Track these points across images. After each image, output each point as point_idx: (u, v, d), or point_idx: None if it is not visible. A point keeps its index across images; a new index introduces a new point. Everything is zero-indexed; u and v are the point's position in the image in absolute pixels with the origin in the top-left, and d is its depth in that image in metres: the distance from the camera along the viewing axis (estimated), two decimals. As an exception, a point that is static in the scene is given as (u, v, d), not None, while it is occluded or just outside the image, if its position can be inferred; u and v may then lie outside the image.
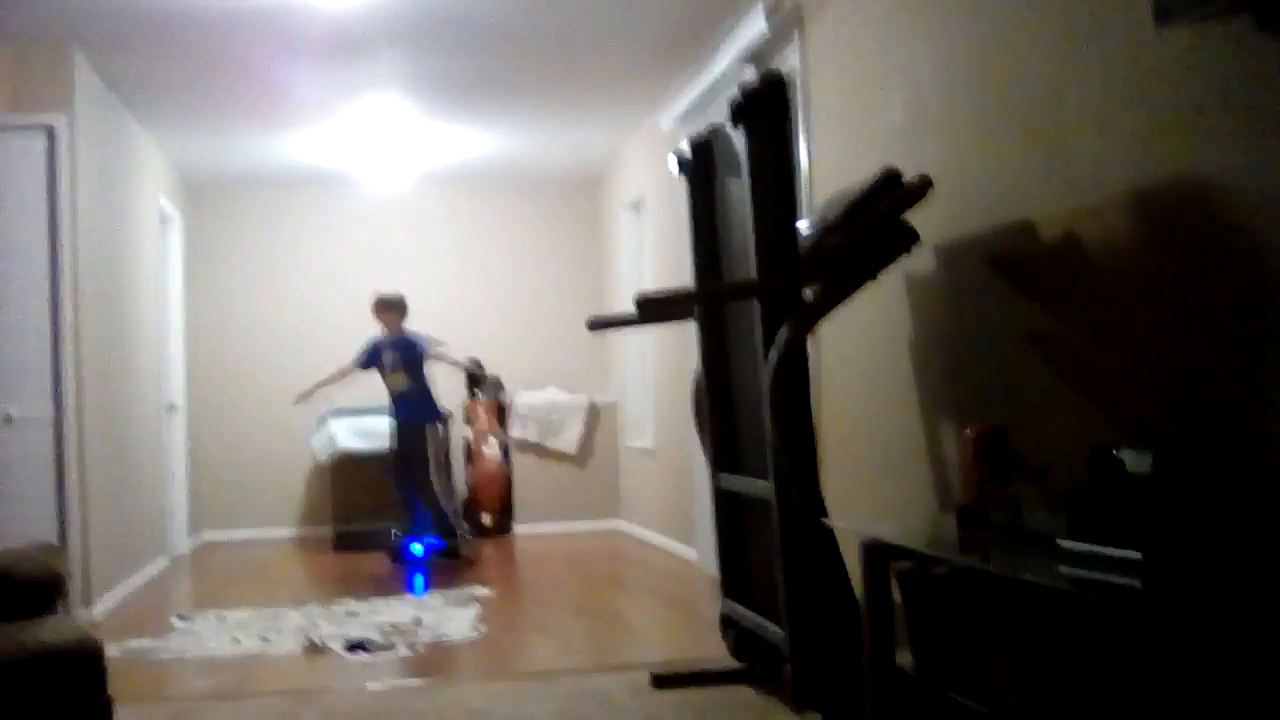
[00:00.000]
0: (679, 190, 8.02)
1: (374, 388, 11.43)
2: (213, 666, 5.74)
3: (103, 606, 7.14)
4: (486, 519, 11.24)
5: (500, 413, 11.37)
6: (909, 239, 4.20)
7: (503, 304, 11.84)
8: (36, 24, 6.59)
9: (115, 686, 3.46)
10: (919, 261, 4.52)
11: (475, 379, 11.28)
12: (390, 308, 9.32)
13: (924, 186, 4.14)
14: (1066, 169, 3.62)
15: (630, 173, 10.48)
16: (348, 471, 10.91)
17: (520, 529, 11.35)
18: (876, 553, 3.43)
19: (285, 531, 11.45)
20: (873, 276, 4.26)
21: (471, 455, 11.32)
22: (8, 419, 6.67)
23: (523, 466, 11.49)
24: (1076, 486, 3.02)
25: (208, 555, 10.40)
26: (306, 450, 11.22)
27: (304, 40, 7.01)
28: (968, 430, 3.63)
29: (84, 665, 3.21)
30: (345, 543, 10.52)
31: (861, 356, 5.22)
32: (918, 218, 4.23)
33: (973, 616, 4.02)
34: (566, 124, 9.66)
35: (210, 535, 11.27)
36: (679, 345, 8.51)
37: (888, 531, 3.49)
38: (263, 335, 11.57)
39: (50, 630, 3.23)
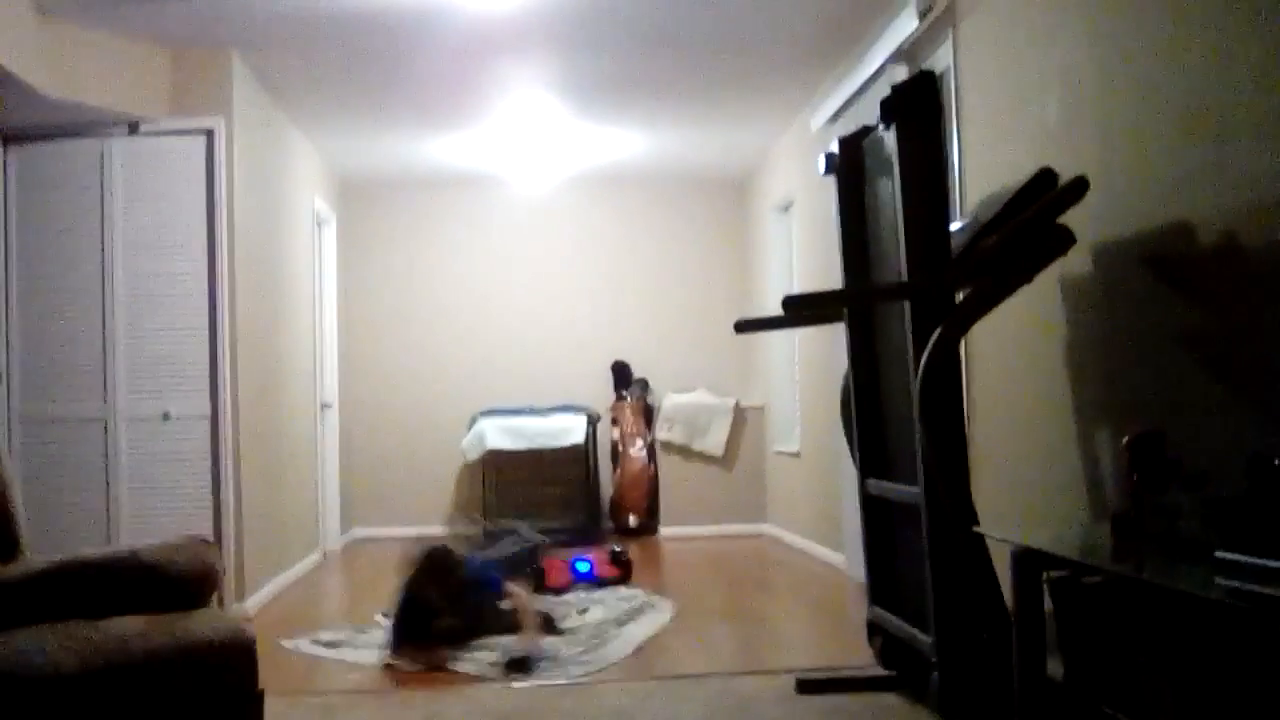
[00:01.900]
0: (828, 191, 7.97)
1: (524, 387, 11.58)
2: (361, 664, 5.83)
3: (255, 601, 7.30)
4: (632, 520, 11.28)
5: (647, 414, 11.40)
6: (1064, 241, 4.12)
7: (650, 305, 11.86)
8: (194, 28, 6.77)
9: (267, 679, 3.52)
10: (1074, 263, 4.42)
11: (623, 380, 11.33)
12: None
13: (1080, 187, 4.05)
14: (1224, 169, 3.52)
15: (779, 174, 10.44)
16: (498, 470, 11.03)
17: (665, 531, 11.37)
18: (1028, 561, 3.36)
19: (435, 529, 11.59)
20: (1027, 279, 4.18)
21: (618, 456, 11.36)
22: (166, 416, 6.85)
23: (669, 468, 11.50)
24: (1234, 495, 2.93)
25: (358, 552, 10.58)
26: (456, 449, 11.35)
27: (456, 40, 7.09)
28: (1123, 436, 3.54)
29: (236, 658, 3.27)
30: (494, 540, 10.61)
31: (1014, 360, 5.13)
32: (1073, 218, 4.15)
33: (1125, 627, 3.93)
34: (716, 125, 9.65)
35: (361, 532, 11.46)
36: (827, 348, 8.45)
37: (1039, 539, 3.42)
38: (413, 334, 11.73)
39: (203, 624, 3.30)
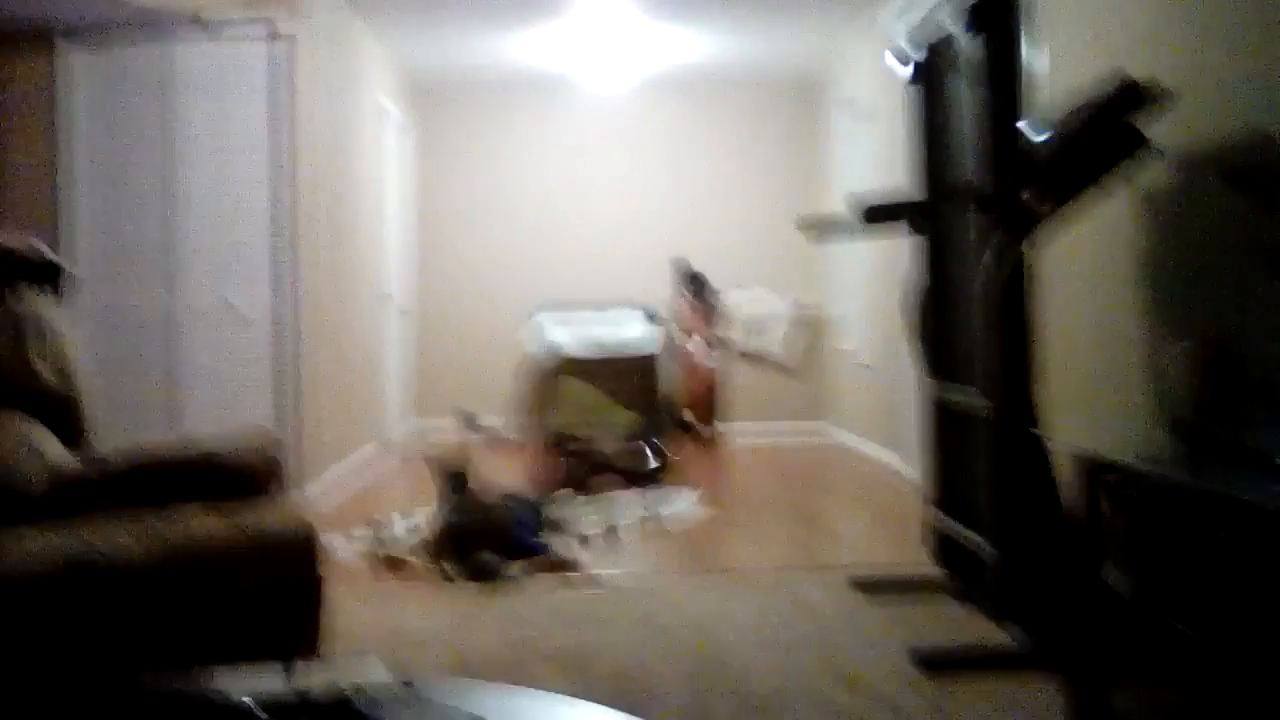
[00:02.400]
0: (900, 93, 7.86)
1: (590, 286, 11.58)
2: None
3: (316, 490, 7.38)
4: (692, 420, 11.30)
5: (711, 315, 11.38)
6: (1140, 148, 4.04)
7: (718, 208, 11.79)
8: (266, -78, 6.73)
9: (326, 569, 3.57)
10: (1151, 172, 4.35)
11: (691, 281, 11.30)
12: None
13: (1159, 95, 3.97)
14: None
15: (851, 75, 10.30)
16: (559, 367, 11.05)
17: (726, 431, 11.39)
18: (1090, 466, 3.34)
19: (496, 422, 11.66)
20: (1101, 186, 4.11)
21: (681, 357, 11.36)
22: (230, 309, 6.89)
23: (731, 369, 11.50)
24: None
25: (420, 443, 10.67)
26: (521, 345, 11.39)
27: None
28: (1190, 344, 3.50)
29: (298, 546, 3.31)
30: (556, 438, 10.68)
31: (1084, 267, 5.07)
32: (1153, 128, 4.07)
33: (1186, 535, 3.91)
34: (787, 24, 9.51)
35: (424, 423, 11.54)
36: (893, 251, 8.38)
37: (1103, 446, 3.39)
38: (481, 232, 11.73)
39: (266, 513, 3.34)
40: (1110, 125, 3.98)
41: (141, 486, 3.35)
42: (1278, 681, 3.41)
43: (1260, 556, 3.49)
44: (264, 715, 1.69)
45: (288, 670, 2.04)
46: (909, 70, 5.13)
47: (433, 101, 11.60)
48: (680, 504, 6.99)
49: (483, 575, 5.43)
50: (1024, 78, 4.30)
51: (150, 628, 3.00)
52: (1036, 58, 5.59)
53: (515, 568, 5.49)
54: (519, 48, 10.03)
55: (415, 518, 6.44)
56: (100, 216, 6.79)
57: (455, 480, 6.01)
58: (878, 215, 4.62)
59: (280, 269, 6.94)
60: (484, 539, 5.69)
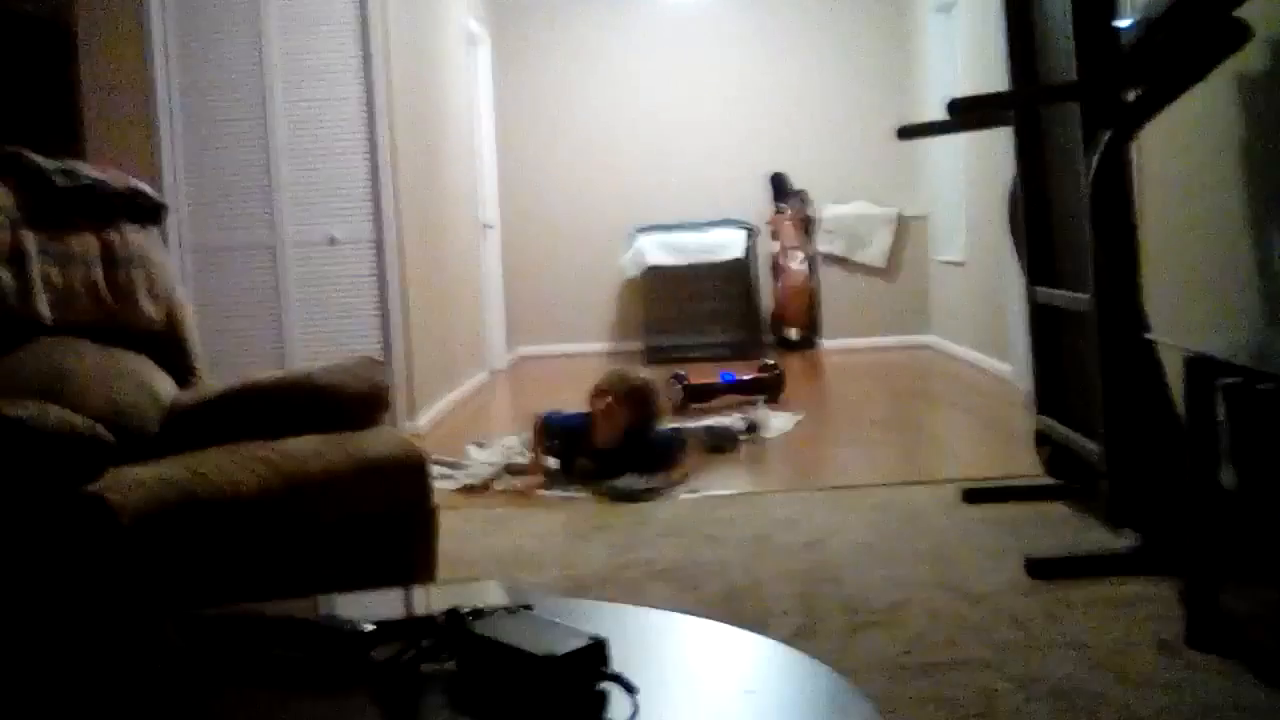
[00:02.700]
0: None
1: (681, 202, 11.54)
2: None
3: (425, 419, 7.47)
4: (793, 334, 11.27)
5: (806, 226, 11.30)
6: (1240, 35, 3.92)
7: (807, 115, 11.67)
8: None
9: (437, 495, 3.61)
10: (1252, 59, 4.23)
11: (782, 191, 11.22)
12: None
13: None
14: None
15: (941, -25, 10.11)
16: (657, 286, 11.07)
17: (827, 344, 11.34)
18: (1200, 368, 3.28)
19: (597, 345, 11.71)
20: (1201, 77, 4.01)
21: (777, 269, 11.31)
22: (332, 240, 6.96)
23: (829, 280, 11.43)
24: None
25: (524, 369, 10.76)
26: (616, 266, 11.40)
27: None
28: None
29: (409, 474, 3.35)
30: (656, 356, 10.73)
31: (1187, 162, 4.96)
32: (1249, 12, 3.95)
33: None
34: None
35: (525, 350, 11.63)
36: (992, 154, 8.25)
37: (1213, 345, 3.33)
38: (569, 151, 11.72)
39: (375, 441, 3.38)
40: (1205, 13, 3.88)
41: (252, 419, 3.40)
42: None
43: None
44: (383, 638, 1.72)
45: (406, 596, 2.07)
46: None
47: (514, 16, 11.56)
48: (783, 421, 7.00)
49: (578, 478, 5.52)
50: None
51: (266, 557, 3.06)
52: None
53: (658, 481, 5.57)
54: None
55: (496, 447, 6.47)
56: (197, 151, 6.87)
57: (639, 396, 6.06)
58: (968, 113, 4.53)
59: (379, 199, 6.99)
60: (597, 447, 5.81)
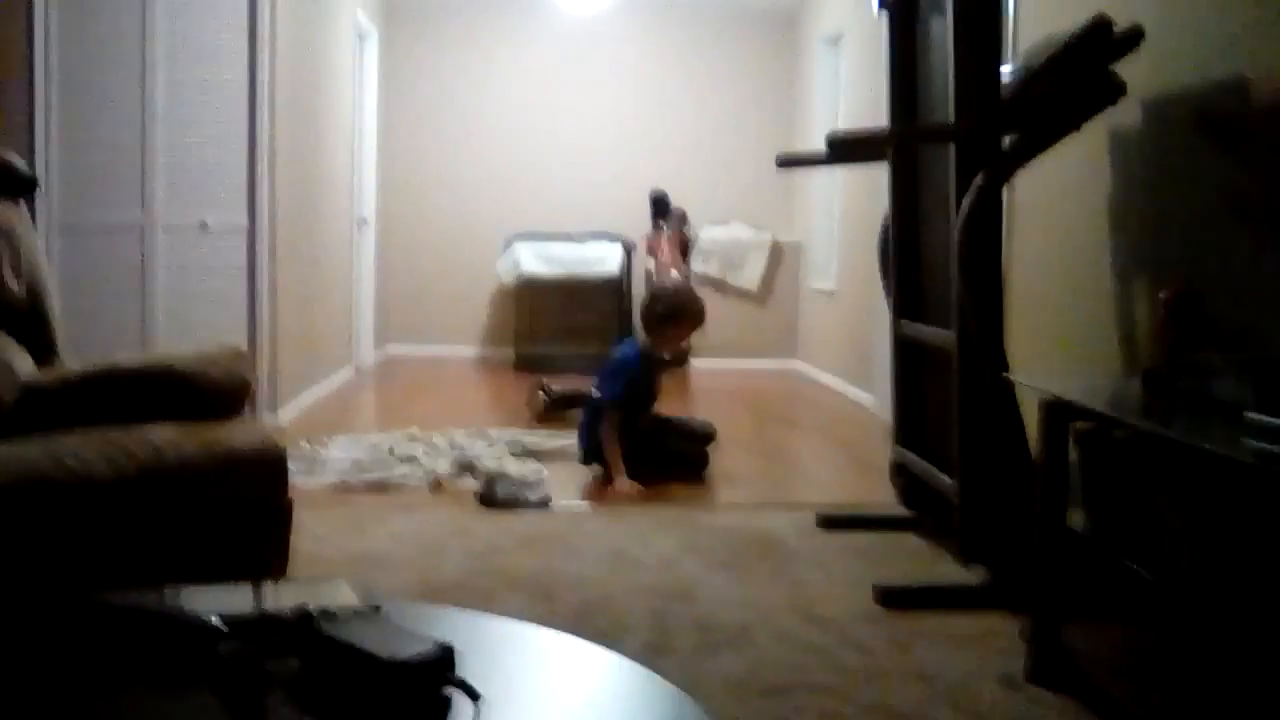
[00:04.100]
0: (878, 27, 7.82)
1: (560, 213, 11.54)
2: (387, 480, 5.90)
3: (287, 413, 7.38)
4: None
5: (683, 245, 11.36)
6: (1115, 91, 4.04)
7: (692, 137, 11.75)
8: None
9: (294, 491, 3.57)
10: (1124, 115, 4.35)
11: (662, 210, 11.27)
12: None
13: (1135, 36, 3.97)
14: (1292, 23, 3.43)
15: (829, 6, 10.25)
16: (532, 295, 11.05)
17: (697, 364, 11.41)
18: (1057, 411, 3.36)
19: (467, 350, 11.67)
20: (1075, 128, 4.11)
21: (651, 287, 11.35)
22: (203, 225, 6.85)
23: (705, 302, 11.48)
24: (1268, 357, 2.91)
25: (392, 368, 10.68)
26: (492, 271, 11.37)
27: None
28: (1160, 293, 3.52)
29: (267, 468, 3.31)
30: (526, 364, 10.71)
31: (1056, 210, 5.08)
32: (1126, 69, 4.06)
33: (1149, 483, 3.95)
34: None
35: (394, 349, 11.54)
36: (868, 188, 8.38)
37: (1069, 389, 3.41)
38: (453, 154, 11.67)
39: (235, 433, 3.33)
40: (1083, 66, 3.98)
41: (112, 403, 3.33)
42: (1226, 621, 3.46)
43: (1216, 503, 3.53)
44: (230, 634, 1.70)
45: (255, 590, 2.05)
46: (878, 1, 5.10)
47: (406, 14, 11.48)
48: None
49: (499, 505, 5.45)
50: (998, 14, 4.27)
51: (117, 544, 3.00)
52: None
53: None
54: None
55: (360, 444, 6.42)
56: (74, 129, 6.71)
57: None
58: (847, 149, 4.60)
59: (255, 187, 6.89)
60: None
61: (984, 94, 4.17)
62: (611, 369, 6.11)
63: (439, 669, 1.58)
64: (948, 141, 4.38)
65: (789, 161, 5.26)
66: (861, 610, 3.97)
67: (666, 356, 6.48)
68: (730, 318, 11.52)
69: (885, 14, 5.11)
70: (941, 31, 4.51)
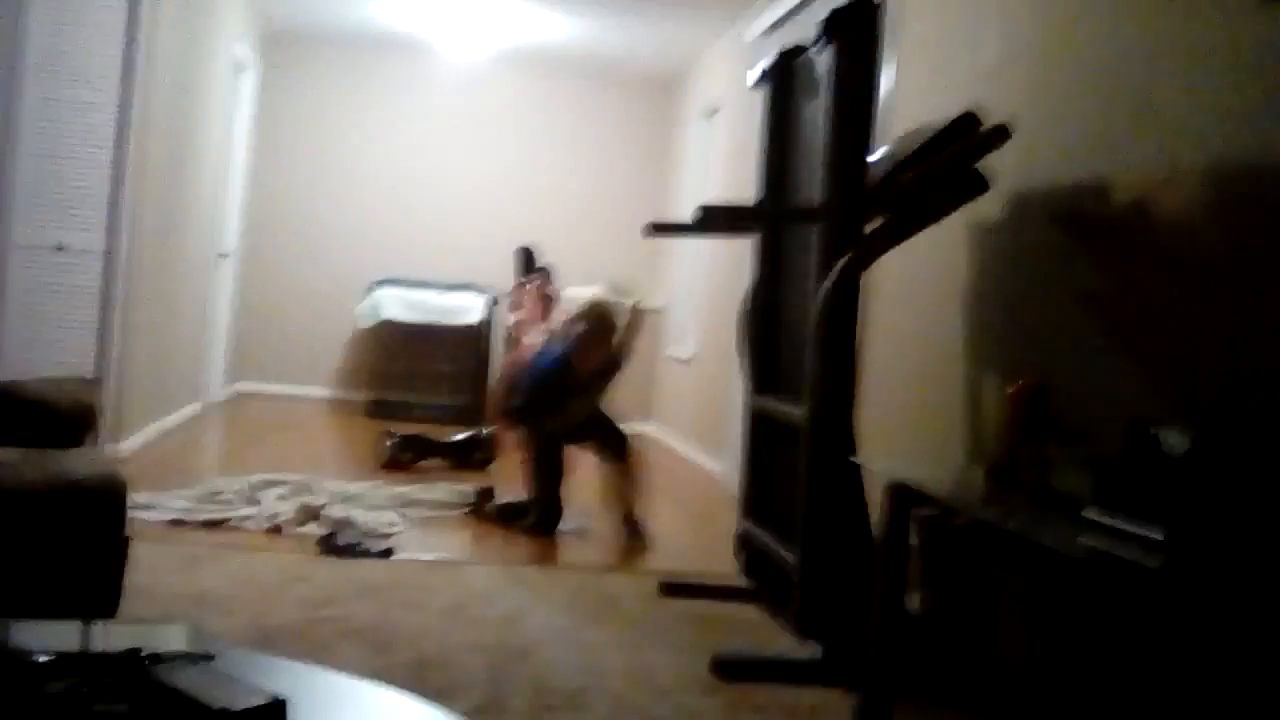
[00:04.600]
0: (755, 103, 7.96)
1: (426, 260, 11.50)
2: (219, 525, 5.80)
3: (131, 445, 7.22)
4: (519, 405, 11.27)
5: (547, 302, 11.36)
6: (978, 186, 4.15)
7: (564, 195, 11.81)
8: None
9: (135, 526, 3.50)
10: (985, 207, 4.47)
11: (529, 265, 11.28)
12: None
13: (1000, 134, 4.08)
14: (1151, 134, 3.56)
15: (708, 80, 10.39)
16: (390, 341, 10.97)
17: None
18: (900, 495, 3.42)
19: (319, 391, 11.54)
20: (937, 218, 4.22)
21: (512, 341, 11.34)
22: (60, 247, 6.70)
23: (562, 359, 11.50)
24: (1109, 457, 3.00)
25: (241, 405, 10.51)
26: (352, 314, 11.28)
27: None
28: (1008, 386, 3.61)
29: (107, 500, 3.24)
30: (378, 410, 10.62)
31: (913, 297, 5.19)
32: (991, 164, 4.18)
33: (987, 571, 4.03)
34: (651, 21, 9.57)
35: (245, 386, 11.37)
36: (732, 259, 8.48)
37: (914, 476, 3.48)
38: (321, 193, 11.59)
39: (78, 462, 3.27)
40: (950, 158, 4.09)
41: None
42: (1058, 710, 3.53)
43: (1051, 594, 3.62)
44: (58, 671, 1.66)
45: (86, 629, 2.00)
46: (757, 76, 5.19)
47: (285, 51, 11.42)
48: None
49: (338, 552, 5.35)
50: (871, 97, 4.38)
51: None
52: (886, 79, 5.71)
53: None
54: (378, 4, 9.92)
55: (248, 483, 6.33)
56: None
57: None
58: (716, 221, 4.66)
59: (117, 211, 6.76)
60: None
61: (852, 177, 4.26)
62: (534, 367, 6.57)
63: (270, 721, 1.56)
64: (815, 222, 4.46)
65: (660, 229, 5.31)
66: (698, 679, 3.99)
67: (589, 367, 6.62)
68: (587, 377, 11.53)
69: (762, 89, 5.20)
70: (814, 112, 4.60)
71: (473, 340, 11.04)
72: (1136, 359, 3.51)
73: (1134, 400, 3.46)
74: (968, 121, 4.15)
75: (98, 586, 3.25)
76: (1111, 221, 3.72)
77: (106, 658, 1.72)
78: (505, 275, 11.35)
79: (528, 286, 11.22)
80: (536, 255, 11.28)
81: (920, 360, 5.06)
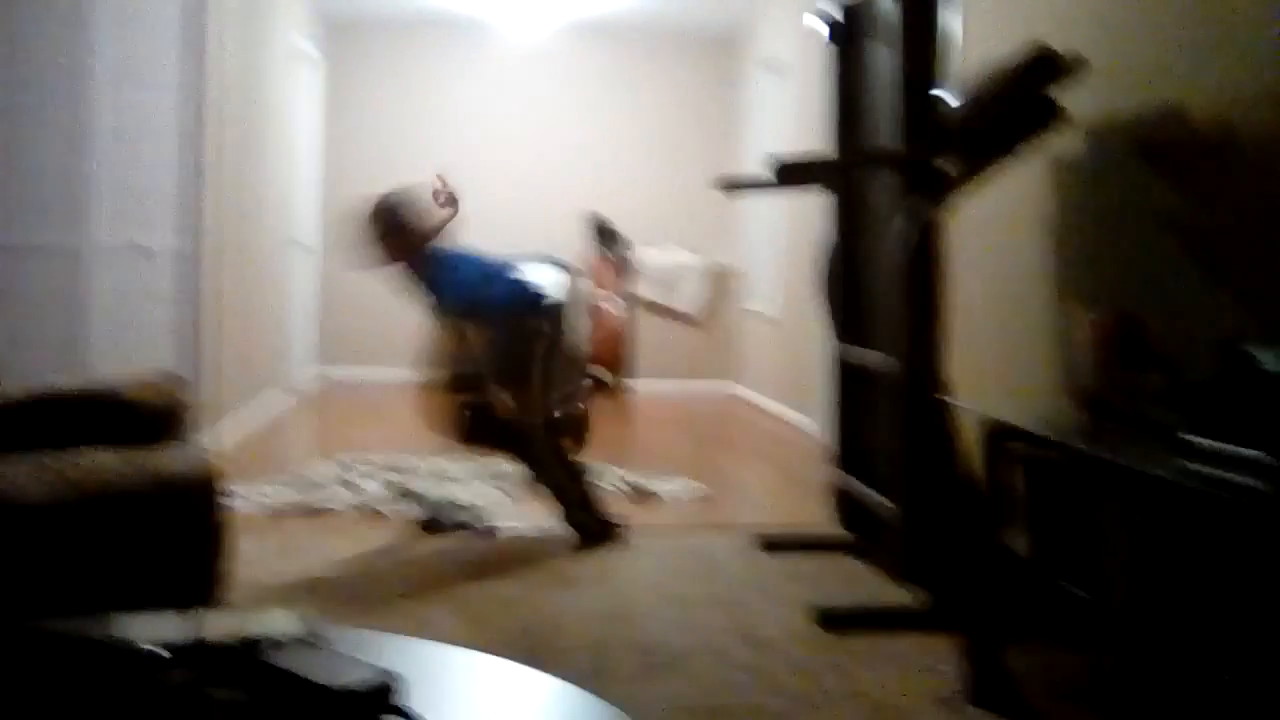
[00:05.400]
0: (818, 52, 7.89)
1: (502, 237, 11.53)
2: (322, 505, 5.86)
3: (222, 438, 7.31)
4: (603, 375, 11.31)
5: (622, 269, 11.37)
6: (1054, 117, 4.08)
7: (634, 163, 11.77)
8: None
9: (229, 515, 3.54)
10: (1065, 141, 4.40)
11: (602, 234, 11.28)
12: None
13: (1074, 64, 4.01)
14: (1229, 56, 3.48)
15: (770, 33, 10.31)
16: (465, 316, 10.98)
17: (635, 387, 11.41)
18: (996, 435, 3.39)
19: (403, 373, 11.61)
20: (1014, 154, 4.16)
21: (591, 311, 11.35)
22: (142, 249, 6.76)
23: (641, 324, 11.51)
24: (1203, 380, 2.94)
25: (328, 392, 10.61)
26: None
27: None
28: (1098, 317, 3.55)
29: (201, 493, 3.28)
30: (458, 386, 10.65)
31: (997, 235, 5.13)
32: (1069, 98, 4.11)
33: (1087, 505, 3.98)
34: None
35: (331, 371, 11.47)
36: (807, 212, 8.42)
37: (1009, 414, 3.44)
38: (394, 176, 11.63)
39: (171, 458, 3.30)
40: (1024, 94, 4.02)
41: (45, 428, 3.29)
42: (1165, 645, 3.49)
43: (1155, 526, 3.57)
44: (172, 662, 1.68)
45: (192, 618, 2.02)
46: (828, 30, 5.14)
47: (348, 40, 11.46)
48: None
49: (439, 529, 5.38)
50: (941, 42, 4.32)
51: (48, 570, 2.96)
52: (954, 22, 5.63)
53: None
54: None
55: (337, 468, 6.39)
56: (4, 148, 6.62)
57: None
58: (792, 174, 4.63)
59: (187, 208, 6.82)
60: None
61: (926, 120, 4.21)
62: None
63: (381, 697, 1.57)
64: (890, 167, 4.42)
65: (734, 186, 5.27)
66: (799, 632, 3.98)
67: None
68: (668, 341, 11.54)
69: (829, 39, 5.15)
70: (884, 58, 4.55)
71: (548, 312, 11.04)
72: (1225, 282, 3.45)
73: (1225, 324, 3.40)
74: (1040, 55, 4.09)
75: (200, 578, 3.29)
76: (1193, 146, 3.65)
77: (217, 646, 1.73)
78: (580, 245, 11.37)
79: (603, 255, 11.23)
80: (609, 223, 11.29)
81: (1010, 298, 5.00)
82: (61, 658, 1.73)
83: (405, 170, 11.59)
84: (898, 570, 4.36)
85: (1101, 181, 4.22)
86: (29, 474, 2.97)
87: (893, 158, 4.36)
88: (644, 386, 11.40)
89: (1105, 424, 3.29)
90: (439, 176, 5.50)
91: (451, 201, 5.55)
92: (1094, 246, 4.26)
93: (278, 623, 1.84)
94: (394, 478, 6.27)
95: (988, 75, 4.24)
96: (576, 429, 7.89)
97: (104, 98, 6.67)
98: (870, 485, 4.77)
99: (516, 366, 5.28)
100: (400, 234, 5.36)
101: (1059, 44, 4.30)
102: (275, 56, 8.82)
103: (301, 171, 10.34)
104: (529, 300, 5.23)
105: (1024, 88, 4.04)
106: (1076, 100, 4.22)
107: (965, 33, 5.56)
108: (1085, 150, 4.33)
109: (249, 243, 8.06)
